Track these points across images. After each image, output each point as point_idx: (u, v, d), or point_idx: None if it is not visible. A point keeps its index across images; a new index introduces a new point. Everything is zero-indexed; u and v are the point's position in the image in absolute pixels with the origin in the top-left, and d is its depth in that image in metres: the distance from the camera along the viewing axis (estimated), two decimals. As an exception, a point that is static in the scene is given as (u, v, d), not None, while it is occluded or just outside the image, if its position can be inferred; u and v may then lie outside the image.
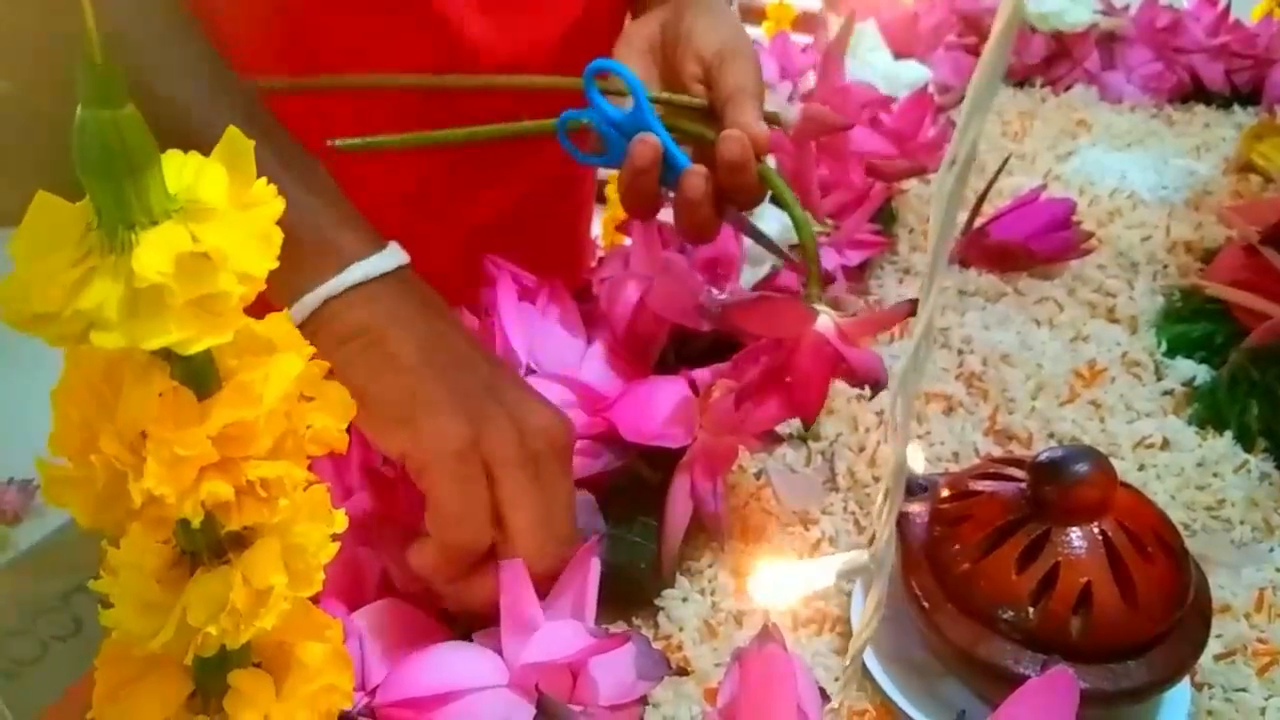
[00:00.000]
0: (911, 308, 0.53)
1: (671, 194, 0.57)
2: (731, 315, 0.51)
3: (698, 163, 0.56)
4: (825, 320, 0.52)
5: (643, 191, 0.57)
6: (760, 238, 0.62)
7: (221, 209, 0.19)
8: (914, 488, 0.55)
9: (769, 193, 0.57)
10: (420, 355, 0.48)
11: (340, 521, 0.23)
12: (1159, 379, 0.74)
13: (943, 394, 0.72)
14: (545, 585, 0.47)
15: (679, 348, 0.66)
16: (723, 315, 0.51)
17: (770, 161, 0.59)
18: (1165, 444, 0.68)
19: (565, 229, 0.91)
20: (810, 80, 0.86)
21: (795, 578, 0.44)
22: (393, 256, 0.50)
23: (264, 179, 0.49)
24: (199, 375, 0.20)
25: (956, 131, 0.21)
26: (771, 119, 0.59)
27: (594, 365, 0.59)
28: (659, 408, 0.53)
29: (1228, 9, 1.20)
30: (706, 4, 0.63)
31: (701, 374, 0.55)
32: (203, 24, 0.54)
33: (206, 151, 0.21)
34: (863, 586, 0.55)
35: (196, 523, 0.20)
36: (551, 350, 0.60)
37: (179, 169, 0.20)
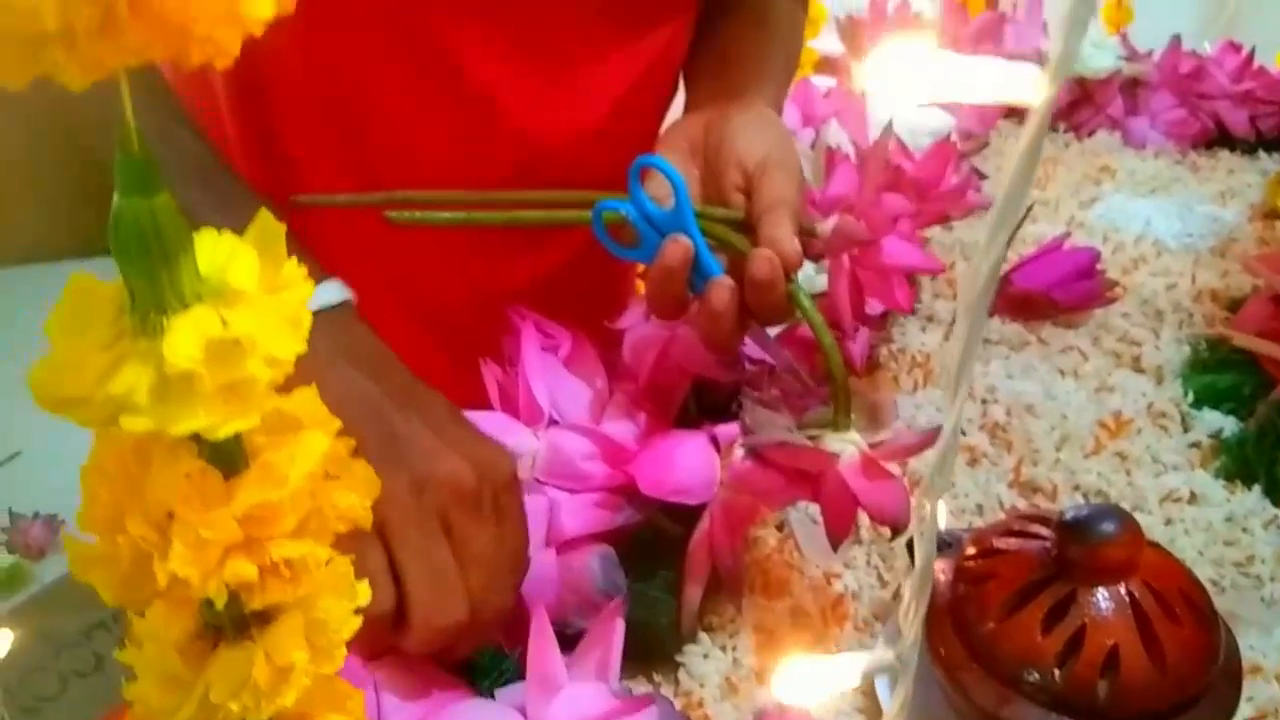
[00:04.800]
0: (934, 436, 0.54)
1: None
2: (757, 457, 0.51)
3: (732, 271, 0.55)
4: (850, 455, 0.52)
5: (670, 292, 0.56)
6: (781, 358, 0.62)
7: (251, 293, 0.19)
8: (938, 543, 0.55)
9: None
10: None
11: (364, 594, 0.24)
12: (1186, 430, 0.74)
13: (966, 445, 0.71)
14: (470, 638, 0.46)
15: (699, 397, 0.66)
16: (749, 456, 0.51)
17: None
18: (1193, 498, 0.67)
19: (606, 295, 0.90)
20: (833, 128, 0.87)
21: (819, 677, 0.44)
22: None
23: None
24: (226, 455, 0.20)
25: (976, 256, 0.21)
26: (808, 233, 0.59)
27: (616, 416, 0.59)
28: (679, 464, 0.53)
29: (1251, 55, 1.20)
30: (756, 111, 0.63)
31: (724, 430, 0.55)
32: (251, 100, 0.55)
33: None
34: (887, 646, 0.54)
35: (220, 604, 0.20)
36: (573, 401, 0.60)
37: (211, 251, 0.20)
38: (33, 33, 0.14)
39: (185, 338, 0.18)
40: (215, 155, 0.58)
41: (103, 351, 0.18)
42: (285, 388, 0.46)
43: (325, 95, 0.70)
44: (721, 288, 0.55)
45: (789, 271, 0.55)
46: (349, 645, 0.44)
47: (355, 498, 0.22)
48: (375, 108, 0.71)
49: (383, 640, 0.45)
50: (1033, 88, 0.19)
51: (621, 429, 0.58)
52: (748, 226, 0.58)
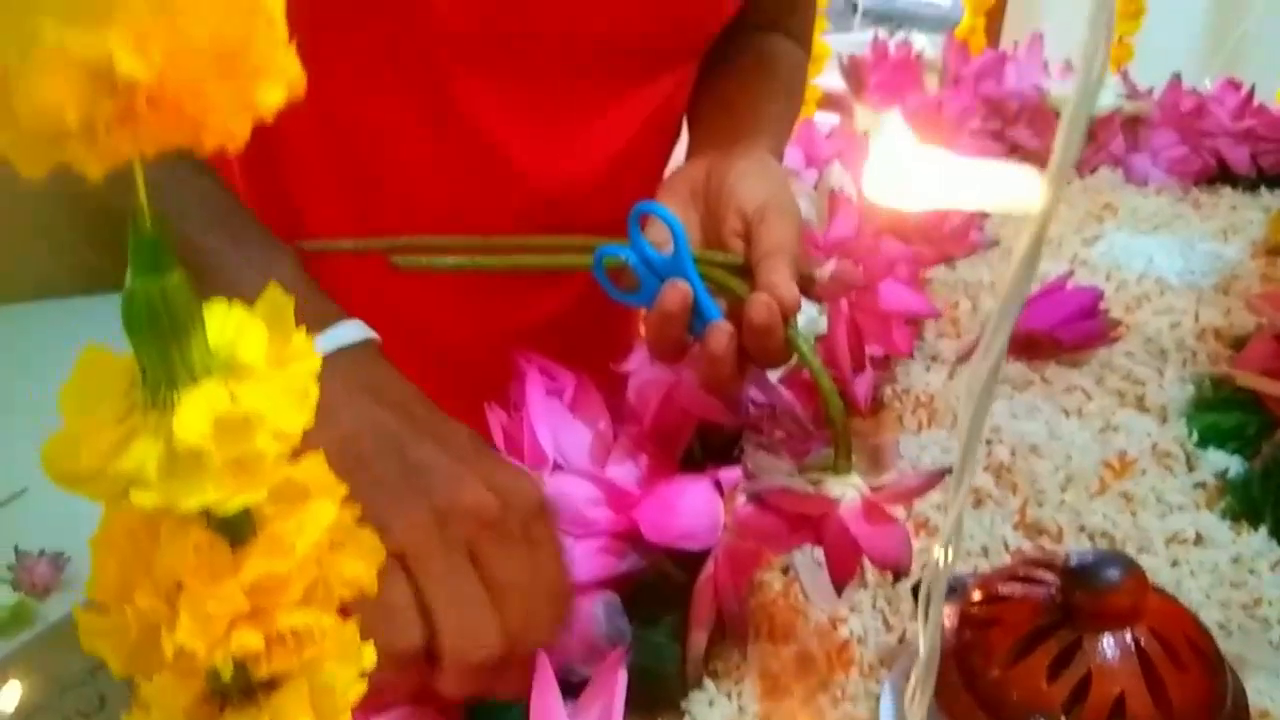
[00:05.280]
0: (943, 474, 0.54)
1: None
2: (759, 502, 0.52)
3: (731, 315, 0.56)
4: (851, 499, 0.52)
5: (668, 336, 0.57)
6: (781, 401, 0.63)
7: (260, 368, 0.19)
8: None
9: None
10: (335, 454, 0.46)
11: (369, 658, 0.24)
12: (1191, 470, 0.74)
13: (972, 486, 0.71)
14: (511, 676, 0.45)
15: (704, 440, 0.66)
16: (751, 502, 0.51)
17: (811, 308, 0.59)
18: (1199, 539, 0.67)
19: (610, 335, 0.91)
20: (836, 169, 0.87)
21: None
22: (326, 340, 0.50)
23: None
24: (234, 524, 0.20)
25: (982, 341, 0.22)
26: (807, 278, 0.60)
27: (620, 460, 0.60)
28: (684, 509, 0.53)
29: (1251, 93, 1.21)
30: (756, 157, 0.64)
31: (727, 474, 0.55)
32: (257, 145, 0.56)
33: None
34: (892, 692, 0.54)
35: (226, 675, 0.20)
36: (578, 445, 0.60)
37: (220, 323, 0.20)
38: (55, 129, 0.15)
39: (195, 414, 0.18)
40: (233, 198, 0.59)
41: (113, 426, 0.19)
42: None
43: (331, 141, 0.71)
44: (720, 332, 0.55)
45: (787, 316, 0.55)
46: (384, 687, 0.43)
47: (361, 565, 0.23)
48: (381, 154, 0.72)
49: (416, 680, 0.44)
50: (1032, 191, 0.19)
51: (626, 473, 0.58)
52: (747, 271, 0.59)
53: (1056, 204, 0.19)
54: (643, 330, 0.87)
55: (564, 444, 0.60)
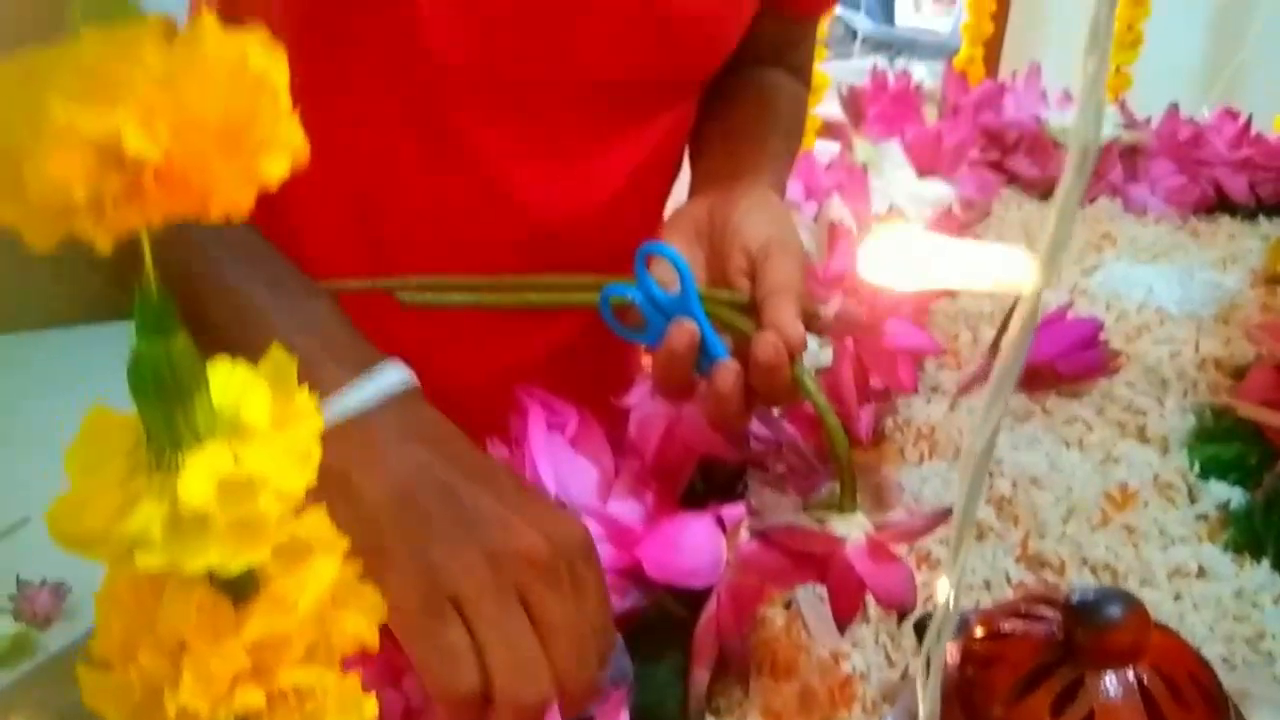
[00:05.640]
0: (946, 514, 0.54)
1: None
2: (764, 539, 0.52)
3: (737, 353, 0.56)
4: (856, 539, 0.52)
5: (675, 375, 0.57)
6: (786, 437, 0.63)
7: (263, 429, 0.19)
8: (945, 624, 0.55)
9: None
10: (388, 498, 0.47)
11: (370, 710, 0.24)
12: (1192, 502, 0.74)
13: (949, 513, 0.71)
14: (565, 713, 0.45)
15: (706, 475, 0.66)
16: (755, 539, 0.51)
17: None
18: (1201, 572, 0.67)
19: (612, 368, 0.91)
20: (836, 202, 0.88)
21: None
22: (375, 385, 0.50)
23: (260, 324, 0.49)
24: (237, 583, 0.21)
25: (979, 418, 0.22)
26: (811, 316, 0.60)
27: (622, 496, 0.60)
28: (686, 546, 0.53)
29: (1249, 123, 1.22)
30: (759, 196, 0.65)
31: (730, 511, 0.55)
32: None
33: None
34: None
35: (230, 733, 0.20)
36: (580, 482, 0.60)
37: (224, 383, 0.20)
38: (63, 204, 0.15)
39: (199, 477, 0.18)
40: (267, 243, 0.59)
41: (118, 488, 0.19)
42: (338, 479, 0.46)
43: (334, 175, 0.71)
44: (727, 371, 0.55)
45: (793, 355, 0.56)
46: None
47: (362, 622, 0.23)
48: (383, 189, 0.72)
49: None
50: (1023, 275, 0.19)
51: (628, 510, 0.58)
52: (752, 309, 0.59)
53: (1048, 283, 0.19)
54: (645, 365, 0.87)
55: (566, 480, 0.60)
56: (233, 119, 0.16)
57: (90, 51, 0.15)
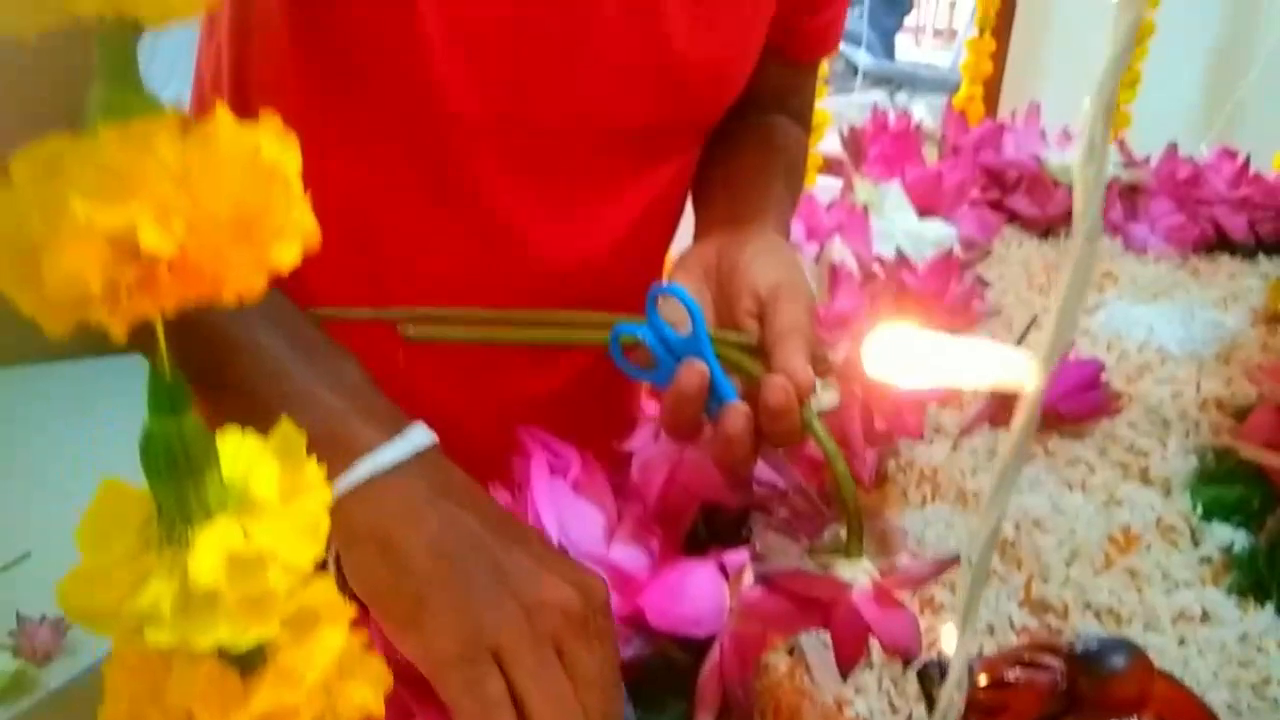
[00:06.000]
0: (952, 561, 0.55)
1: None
2: (769, 584, 0.52)
3: (745, 395, 0.57)
4: (862, 584, 0.52)
5: (685, 416, 0.58)
6: (791, 479, 0.63)
7: (272, 504, 0.20)
8: (946, 672, 0.55)
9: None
10: (426, 553, 0.48)
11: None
12: (1196, 545, 0.74)
13: (958, 561, 0.71)
14: None
15: (708, 519, 0.66)
16: (760, 584, 0.52)
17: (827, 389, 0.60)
18: (1205, 617, 0.66)
19: (615, 405, 0.92)
20: (836, 246, 0.88)
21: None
22: (407, 444, 0.51)
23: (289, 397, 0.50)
24: (245, 654, 0.21)
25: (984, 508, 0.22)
26: (820, 360, 0.60)
27: (625, 542, 0.60)
28: (689, 594, 0.53)
29: (1247, 162, 1.23)
30: (768, 240, 0.66)
31: (732, 558, 0.55)
32: None
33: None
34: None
35: (237, 806, 0.20)
36: (582, 527, 0.60)
37: (234, 455, 0.21)
38: (80, 296, 0.15)
39: (209, 554, 0.18)
40: (294, 306, 0.59)
41: (129, 564, 0.19)
42: (378, 536, 0.47)
43: (343, 215, 0.72)
44: (737, 414, 0.56)
45: (802, 398, 0.56)
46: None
47: (369, 692, 0.23)
48: (391, 230, 0.73)
49: None
50: (1024, 374, 0.20)
51: (631, 556, 0.58)
52: (760, 351, 0.60)
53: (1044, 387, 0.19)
54: (644, 402, 0.87)
55: (569, 526, 0.60)
56: (246, 210, 0.16)
57: (108, 147, 0.15)
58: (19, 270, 0.15)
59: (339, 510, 0.48)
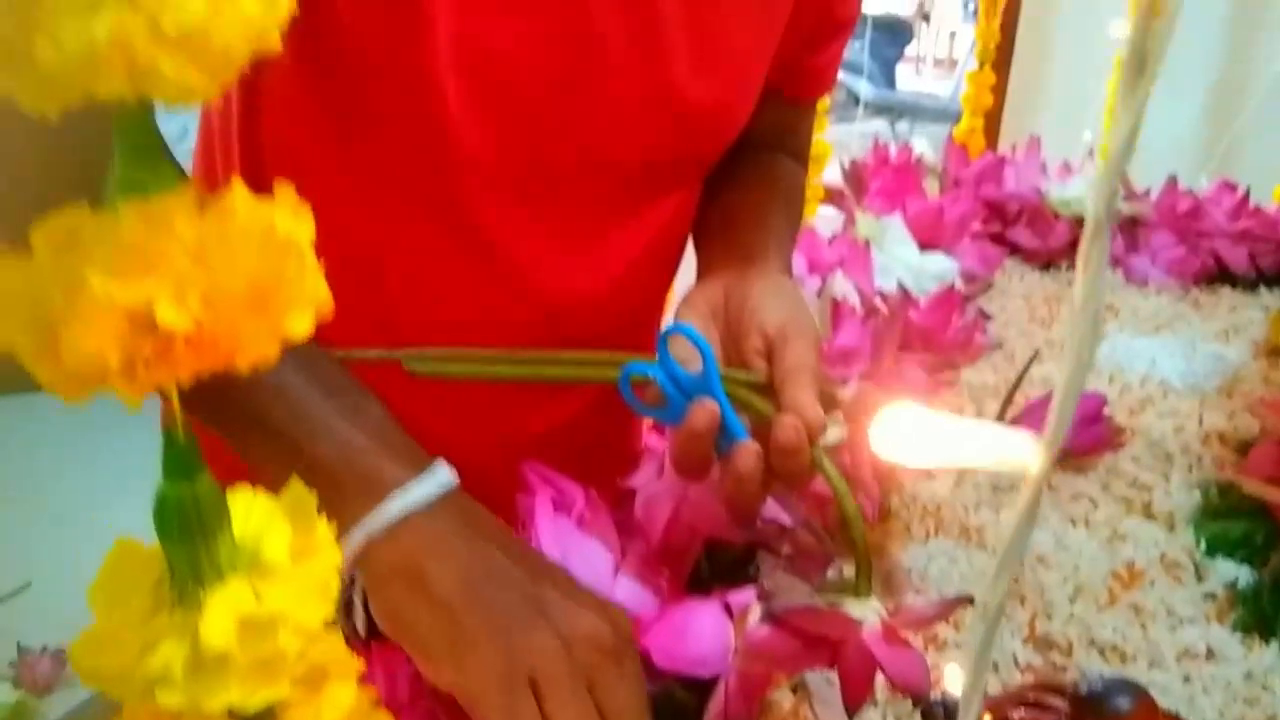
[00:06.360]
0: (961, 601, 0.55)
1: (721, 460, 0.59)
2: (778, 622, 0.52)
3: (754, 433, 0.57)
4: (872, 623, 0.53)
5: (695, 455, 0.58)
6: (798, 515, 0.64)
7: (283, 566, 0.20)
8: (951, 710, 0.55)
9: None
10: (460, 586, 0.49)
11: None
12: (1200, 581, 0.73)
13: (966, 601, 0.71)
14: None
15: (712, 557, 0.66)
16: (773, 621, 0.52)
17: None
18: (1210, 654, 0.66)
19: (618, 440, 0.92)
20: (839, 280, 0.89)
21: None
22: (435, 481, 0.53)
23: (318, 429, 0.51)
24: (255, 715, 0.21)
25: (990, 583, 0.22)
26: (829, 398, 0.61)
27: (627, 581, 0.60)
28: (694, 635, 0.53)
29: (1247, 195, 1.23)
30: (774, 279, 0.66)
31: (737, 597, 0.55)
32: None
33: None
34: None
35: None
36: (585, 566, 0.60)
37: (245, 514, 0.21)
38: (97, 370, 0.16)
39: (221, 617, 0.19)
40: (318, 347, 0.60)
41: (141, 625, 0.19)
42: (411, 571, 0.48)
43: (348, 250, 0.72)
44: (748, 453, 0.56)
45: (813, 437, 0.57)
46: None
47: (378, 749, 0.23)
48: (398, 269, 0.73)
49: None
50: (1028, 456, 0.20)
51: (635, 594, 0.58)
52: (769, 390, 0.60)
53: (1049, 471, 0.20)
54: (646, 438, 0.88)
55: (573, 564, 0.60)
56: (261, 283, 0.16)
57: (127, 224, 0.16)
58: (38, 344, 0.16)
59: (368, 549, 0.49)
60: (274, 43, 0.16)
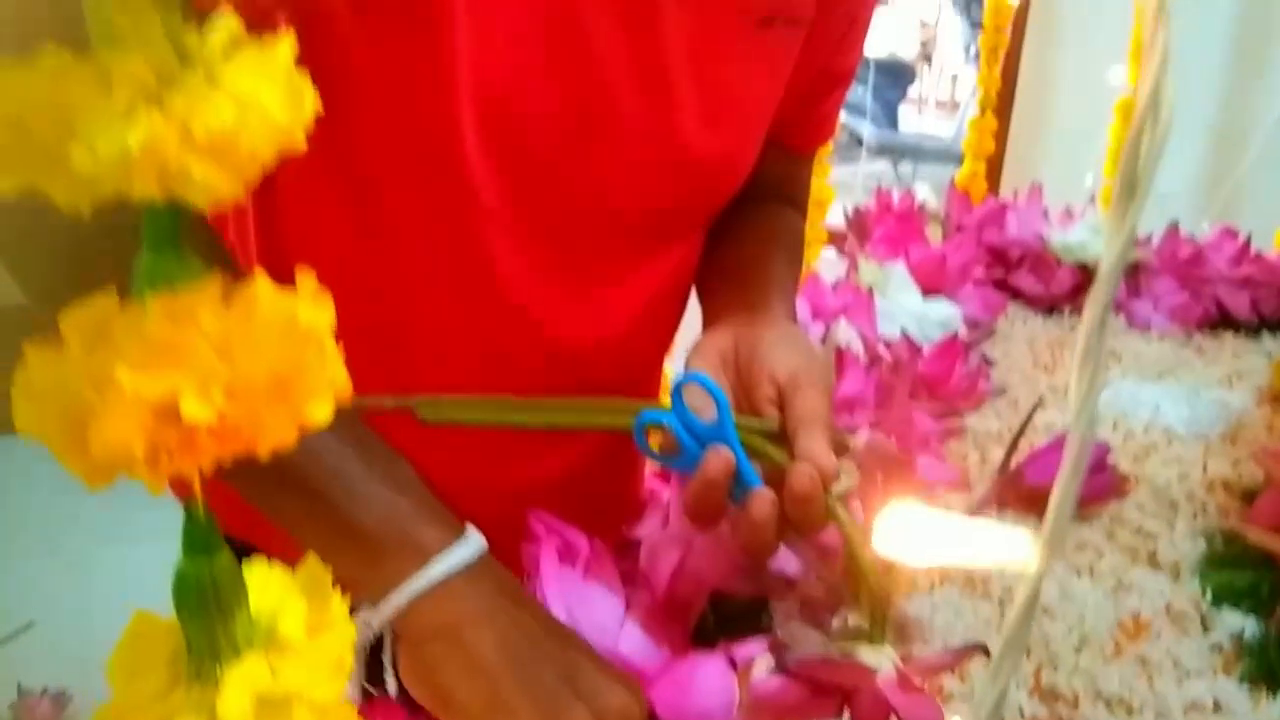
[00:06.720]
0: (973, 650, 0.55)
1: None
2: (789, 672, 0.53)
3: (767, 480, 0.58)
4: (887, 671, 0.53)
5: (709, 502, 0.59)
6: (811, 563, 0.64)
7: (299, 642, 0.20)
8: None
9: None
10: (499, 653, 0.50)
11: None
12: (1206, 632, 0.73)
13: (979, 649, 0.71)
14: None
15: (716, 607, 0.66)
16: (787, 672, 0.52)
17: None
18: (1217, 707, 0.66)
19: (618, 490, 0.93)
20: (842, 327, 0.89)
21: None
22: (472, 545, 0.54)
23: (348, 485, 0.52)
24: (267, 788, 0.21)
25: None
26: (840, 445, 0.61)
27: (632, 633, 0.60)
28: (698, 689, 0.53)
29: (1248, 241, 1.24)
30: (784, 328, 0.68)
31: (741, 650, 0.55)
32: None
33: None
34: None
35: None
36: (591, 618, 0.60)
37: (261, 588, 0.21)
38: (123, 460, 0.16)
39: (237, 694, 0.19)
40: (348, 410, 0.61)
41: (158, 701, 0.19)
42: (452, 635, 0.50)
43: (360, 294, 0.73)
44: (764, 500, 0.57)
45: (827, 485, 0.57)
46: None
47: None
48: (410, 318, 0.74)
49: None
50: (1027, 554, 0.20)
51: (640, 648, 0.59)
52: (779, 437, 0.60)
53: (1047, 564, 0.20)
54: (649, 484, 0.88)
55: (578, 616, 0.60)
56: (282, 373, 0.17)
57: (154, 318, 0.16)
58: (67, 434, 0.16)
59: (409, 610, 0.50)
60: (299, 143, 0.16)
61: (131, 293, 0.17)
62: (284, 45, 0.17)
